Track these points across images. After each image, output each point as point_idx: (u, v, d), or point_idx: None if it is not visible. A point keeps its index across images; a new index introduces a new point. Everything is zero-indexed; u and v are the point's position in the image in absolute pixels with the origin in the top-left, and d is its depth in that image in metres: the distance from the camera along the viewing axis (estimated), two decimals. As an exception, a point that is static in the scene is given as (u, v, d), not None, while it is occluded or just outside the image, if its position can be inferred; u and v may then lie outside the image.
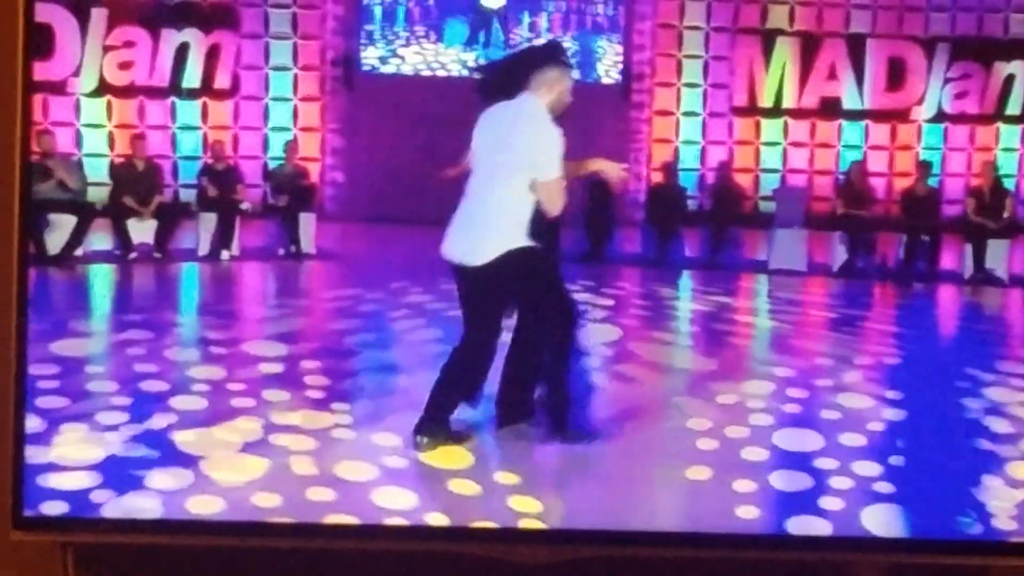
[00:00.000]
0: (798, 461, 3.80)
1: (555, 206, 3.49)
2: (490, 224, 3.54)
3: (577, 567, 3.03)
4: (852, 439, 4.05)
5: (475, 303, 3.66)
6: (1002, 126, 11.83)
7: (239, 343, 5.20)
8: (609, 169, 3.57)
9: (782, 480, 3.63)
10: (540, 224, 3.55)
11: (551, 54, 3.65)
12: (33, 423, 3.81)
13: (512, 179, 3.49)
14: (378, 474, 3.46)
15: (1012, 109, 11.79)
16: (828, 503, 3.45)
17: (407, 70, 10.95)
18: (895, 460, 3.85)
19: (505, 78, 3.61)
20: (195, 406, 4.11)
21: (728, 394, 4.59)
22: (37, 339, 5.01)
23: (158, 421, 3.93)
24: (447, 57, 11.11)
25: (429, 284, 6.99)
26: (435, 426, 3.72)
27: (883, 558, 3.21)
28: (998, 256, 8.26)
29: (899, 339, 6.39)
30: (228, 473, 3.43)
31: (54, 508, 3.09)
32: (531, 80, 3.51)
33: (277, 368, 4.68)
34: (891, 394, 4.71)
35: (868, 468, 3.75)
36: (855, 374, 5.11)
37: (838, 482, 3.62)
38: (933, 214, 8.88)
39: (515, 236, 3.53)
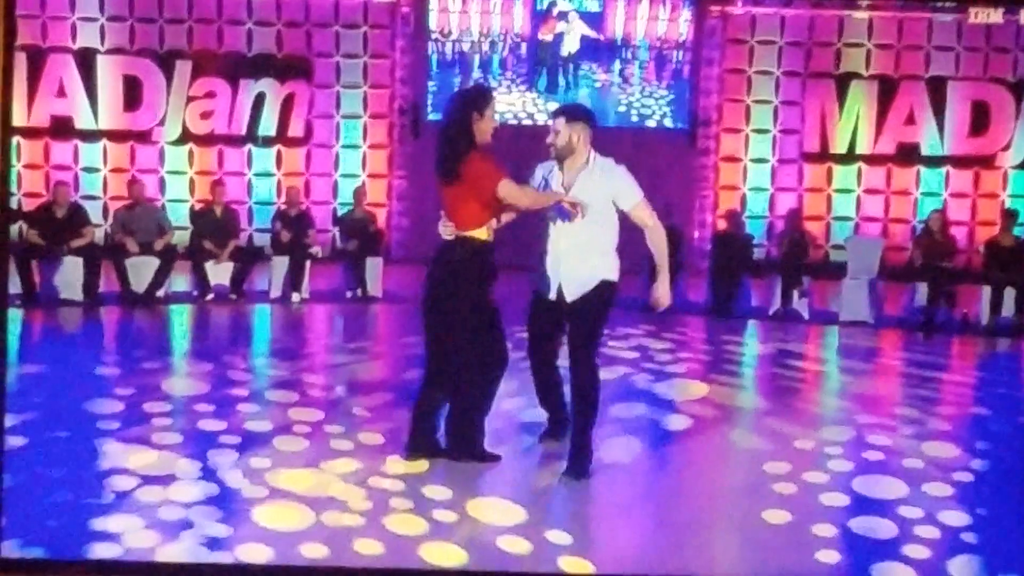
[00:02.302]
0: (877, 508, 3.65)
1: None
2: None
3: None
4: (934, 488, 3.88)
5: None
6: (1098, 173, 11.27)
7: (306, 388, 5.20)
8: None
9: (863, 526, 3.47)
10: None
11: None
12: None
13: None
14: (427, 528, 3.38)
15: (1108, 154, 11.22)
16: (913, 551, 3.29)
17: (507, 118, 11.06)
18: (981, 511, 3.66)
19: None
20: (265, 452, 4.12)
21: (805, 440, 4.47)
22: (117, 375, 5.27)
23: (217, 460, 3.94)
24: (533, 106, 11.19)
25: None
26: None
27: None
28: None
29: (981, 394, 6.05)
30: (274, 520, 3.37)
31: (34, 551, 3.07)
32: None
33: (334, 414, 4.65)
34: (978, 446, 4.48)
35: (953, 518, 3.58)
36: (936, 425, 4.88)
37: (922, 530, 3.45)
38: (1020, 266, 8.39)
39: None
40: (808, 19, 11.01)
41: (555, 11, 11.06)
